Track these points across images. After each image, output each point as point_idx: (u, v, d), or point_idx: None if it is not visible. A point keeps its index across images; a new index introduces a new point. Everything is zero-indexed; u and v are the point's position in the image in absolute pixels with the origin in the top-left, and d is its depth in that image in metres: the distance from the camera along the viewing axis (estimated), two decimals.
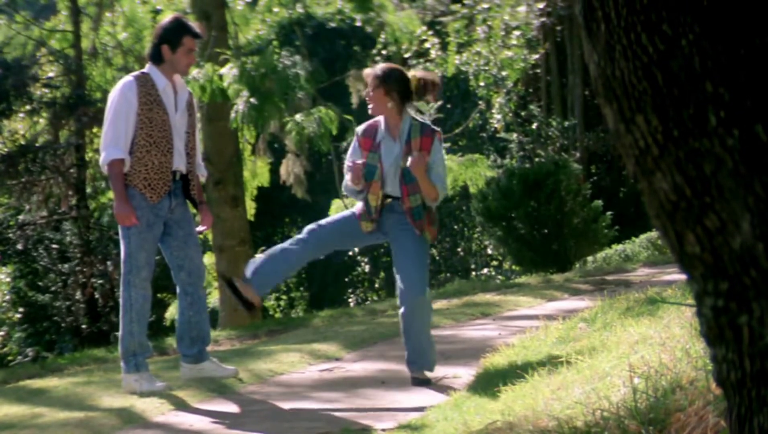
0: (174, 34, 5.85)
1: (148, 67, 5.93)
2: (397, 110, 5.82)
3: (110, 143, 5.76)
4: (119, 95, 5.81)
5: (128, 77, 5.92)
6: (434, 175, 5.80)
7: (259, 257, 5.97)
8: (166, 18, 6.15)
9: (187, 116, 5.98)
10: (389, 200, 5.86)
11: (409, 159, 5.71)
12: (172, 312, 16.98)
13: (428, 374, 5.95)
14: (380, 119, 5.90)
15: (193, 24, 6.03)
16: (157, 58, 5.87)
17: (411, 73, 5.92)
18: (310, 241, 5.88)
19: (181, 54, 5.84)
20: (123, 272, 5.89)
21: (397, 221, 5.87)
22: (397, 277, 5.86)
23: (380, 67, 5.92)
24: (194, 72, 12.08)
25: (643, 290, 7.68)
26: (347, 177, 5.90)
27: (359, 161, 5.82)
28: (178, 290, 6.09)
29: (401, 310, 5.83)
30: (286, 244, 5.94)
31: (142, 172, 5.78)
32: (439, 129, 6.00)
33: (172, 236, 5.94)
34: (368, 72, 5.89)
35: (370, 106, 5.87)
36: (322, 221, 6.00)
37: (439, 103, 27.27)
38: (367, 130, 5.95)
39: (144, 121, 5.76)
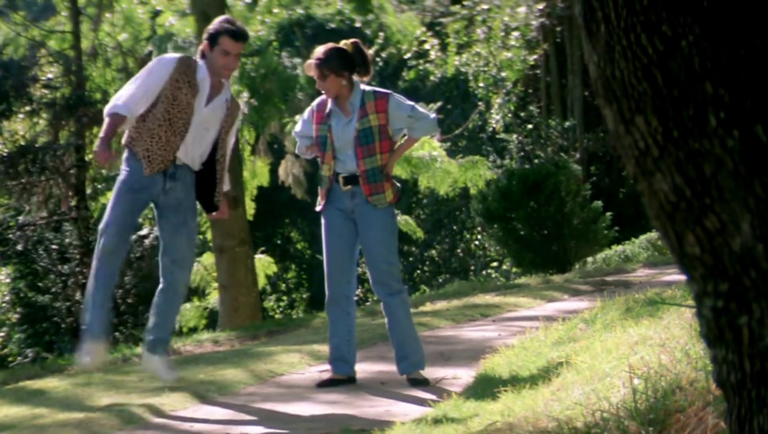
0: (215, 32, 5.83)
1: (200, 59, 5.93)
2: (349, 85, 5.87)
3: (122, 97, 5.75)
4: (154, 63, 5.88)
5: (174, 54, 6.00)
6: (415, 118, 5.87)
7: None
8: (221, 17, 6.17)
9: (222, 115, 5.90)
10: (348, 186, 5.86)
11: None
12: None
13: (425, 374, 5.96)
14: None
15: (240, 25, 5.95)
16: (201, 53, 5.90)
17: (342, 43, 5.91)
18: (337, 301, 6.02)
19: (217, 53, 5.78)
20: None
21: (358, 204, 5.90)
22: (366, 262, 5.97)
23: (319, 52, 5.87)
24: None
25: (642, 291, 7.68)
26: (300, 145, 6.05)
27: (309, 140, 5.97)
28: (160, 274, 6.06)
29: (382, 305, 5.98)
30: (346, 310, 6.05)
31: (147, 141, 5.73)
32: (388, 91, 6.02)
33: (164, 219, 5.89)
34: (311, 63, 5.84)
35: (326, 94, 5.88)
36: (327, 279, 6.00)
37: (439, 103, 27.30)
38: (319, 104, 6.00)
39: (168, 97, 5.73)
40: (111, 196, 5.89)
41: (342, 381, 6.00)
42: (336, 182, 5.90)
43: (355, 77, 5.89)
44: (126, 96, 5.74)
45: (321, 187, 5.99)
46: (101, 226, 5.84)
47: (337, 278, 5.95)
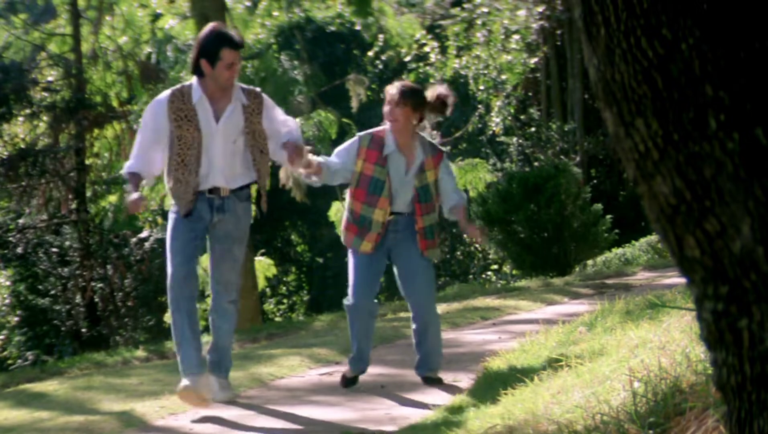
0: (212, 47, 5.51)
1: (192, 79, 5.69)
2: (414, 129, 5.79)
3: (131, 155, 5.71)
4: (147, 111, 5.75)
5: (165, 93, 5.72)
6: (453, 192, 5.87)
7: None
8: (204, 29, 5.73)
9: (243, 121, 5.67)
10: (392, 216, 5.79)
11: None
12: None
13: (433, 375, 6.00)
14: (387, 132, 5.79)
15: (233, 33, 5.69)
16: (197, 71, 5.60)
17: (429, 92, 5.83)
18: (363, 311, 5.90)
19: (221, 68, 5.51)
20: None
21: (402, 239, 5.82)
22: (408, 298, 5.91)
23: (407, 85, 5.82)
24: None
25: (643, 293, 7.67)
26: (303, 172, 5.81)
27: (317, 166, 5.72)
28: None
29: (414, 326, 5.94)
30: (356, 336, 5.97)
31: (173, 188, 5.65)
32: (445, 149, 6.04)
33: (212, 245, 5.80)
34: (396, 89, 5.73)
35: (392, 122, 5.73)
36: (352, 291, 5.87)
37: None
38: (374, 141, 5.81)
39: (177, 138, 5.58)
40: (167, 237, 5.79)
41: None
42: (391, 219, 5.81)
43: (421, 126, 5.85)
44: (133, 153, 5.71)
45: (371, 230, 5.79)
46: (167, 267, 5.72)
47: (365, 292, 5.88)
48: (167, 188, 5.75)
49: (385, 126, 5.80)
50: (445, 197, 5.89)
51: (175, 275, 5.67)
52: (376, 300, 5.96)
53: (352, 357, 6.02)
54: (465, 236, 29.94)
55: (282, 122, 5.83)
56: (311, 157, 5.69)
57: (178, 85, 5.83)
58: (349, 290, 5.87)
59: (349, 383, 6.06)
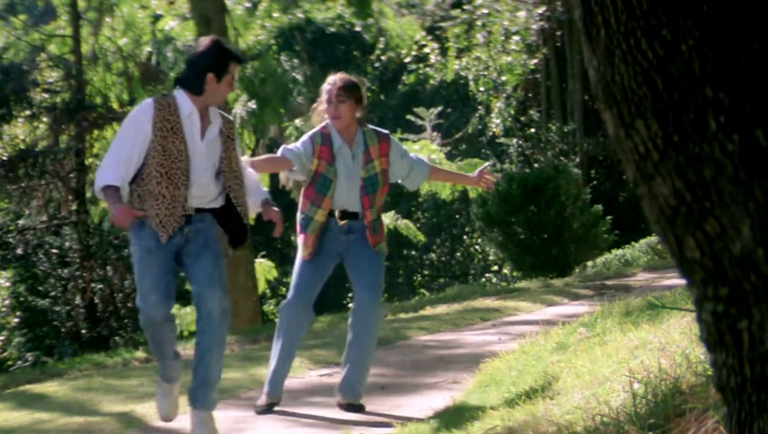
0: (221, 61, 5.10)
1: (176, 91, 5.18)
2: (357, 121, 5.61)
3: (105, 167, 5.06)
4: (129, 121, 5.16)
5: (147, 102, 5.19)
6: (413, 166, 5.70)
7: (272, 364, 5.66)
8: (202, 42, 5.26)
9: (220, 146, 5.20)
10: (345, 221, 5.56)
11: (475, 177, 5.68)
12: None
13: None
14: (330, 128, 5.61)
15: (237, 50, 5.43)
16: (197, 87, 5.12)
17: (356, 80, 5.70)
18: (294, 315, 5.61)
19: (225, 84, 5.11)
20: None
21: (354, 240, 5.59)
22: (354, 291, 5.62)
23: (343, 78, 5.60)
24: None
25: (642, 295, 7.68)
26: (282, 173, 5.68)
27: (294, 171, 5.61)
28: None
29: (350, 319, 5.63)
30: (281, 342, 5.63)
31: (154, 207, 5.03)
32: (387, 131, 5.80)
33: (186, 255, 5.14)
34: (334, 84, 5.55)
35: (335, 119, 5.54)
36: (291, 294, 5.65)
37: (439, 108, 27.33)
38: (324, 137, 5.61)
39: (157, 149, 5.03)
40: (135, 271, 5.16)
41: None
42: (331, 216, 5.59)
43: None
44: (109, 165, 5.05)
45: (309, 232, 5.59)
46: (138, 303, 5.11)
47: (300, 300, 5.63)
48: (137, 209, 5.03)
49: (327, 123, 5.62)
50: (411, 177, 5.75)
51: (147, 320, 5.06)
52: (311, 311, 5.67)
53: (270, 378, 5.64)
54: (465, 236, 29.96)
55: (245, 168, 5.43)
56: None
57: (159, 96, 5.35)
58: (288, 294, 5.66)
59: (264, 410, 5.58)
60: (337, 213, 5.57)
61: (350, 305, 5.72)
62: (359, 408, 5.43)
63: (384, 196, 5.68)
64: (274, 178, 19.18)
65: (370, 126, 5.70)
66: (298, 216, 5.66)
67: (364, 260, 5.57)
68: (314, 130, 5.68)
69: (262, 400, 5.60)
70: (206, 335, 4.98)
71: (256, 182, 5.46)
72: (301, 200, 5.69)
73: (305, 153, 5.56)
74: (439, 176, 5.78)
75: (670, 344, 4.09)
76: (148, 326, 5.07)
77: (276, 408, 5.58)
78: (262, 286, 17.45)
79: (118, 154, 5.03)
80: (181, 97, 5.14)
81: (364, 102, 5.64)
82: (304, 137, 5.70)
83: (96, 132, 17.05)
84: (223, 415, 5.50)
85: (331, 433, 4.94)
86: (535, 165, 23.26)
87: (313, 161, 5.57)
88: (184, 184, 5.06)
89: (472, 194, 17.46)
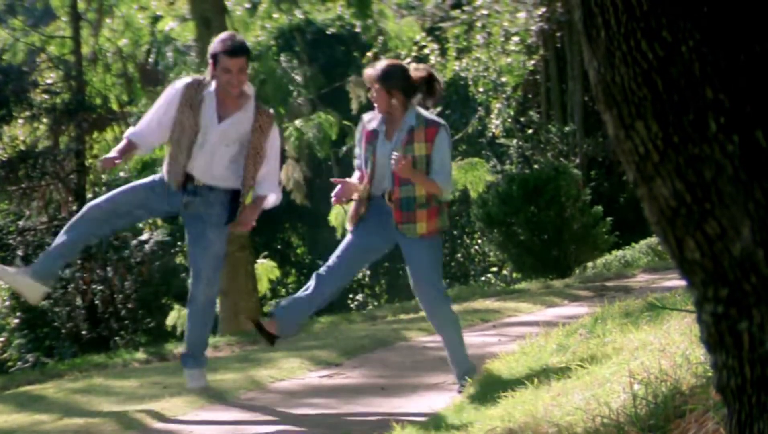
0: (214, 52, 5.83)
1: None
2: (402, 108, 5.63)
3: (138, 125, 6.01)
4: (165, 91, 6.03)
5: (185, 78, 6.09)
6: (435, 169, 5.56)
7: (287, 301, 5.84)
8: (222, 34, 6.08)
9: (245, 131, 5.90)
10: (391, 202, 5.63)
11: (392, 160, 5.52)
12: (173, 317, 16.98)
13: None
14: (376, 112, 5.74)
15: (235, 43, 5.87)
16: (211, 73, 5.91)
17: (414, 66, 5.74)
18: (328, 277, 5.73)
19: (220, 72, 5.80)
20: None
21: (390, 223, 5.67)
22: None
23: (380, 65, 5.72)
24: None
25: (643, 296, 7.67)
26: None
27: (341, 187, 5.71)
28: None
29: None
30: (309, 292, 5.75)
31: (168, 164, 5.92)
32: (445, 123, 5.76)
33: (187, 232, 6.04)
34: (369, 72, 5.72)
35: (375, 104, 5.70)
36: (331, 261, 5.77)
37: (439, 108, 27.32)
38: (369, 119, 5.79)
39: (176, 122, 5.86)
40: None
41: None
42: (376, 198, 5.67)
43: (414, 101, 5.67)
44: (140, 124, 5.99)
45: (355, 206, 5.76)
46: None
47: (337, 267, 5.76)
48: (165, 166, 5.97)
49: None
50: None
51: (100, 202, 6.00)
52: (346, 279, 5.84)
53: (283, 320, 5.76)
54: (465, 237, 29.95)
55: (271, 159, 6.03)
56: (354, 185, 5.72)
57: (200, 76, 6.15)
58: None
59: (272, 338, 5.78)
60: (386, 195, 5.65)
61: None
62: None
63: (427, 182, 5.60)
64: None
65: (425, 112, 5.69)
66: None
67: (406, 248, 5.67)
68: (365, 115, 5.90)
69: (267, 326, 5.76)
70: (189, 313, 6.02)
71: (271, 178, 6.02)
72: None
73: (358, 144, 5.82)
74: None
75: (670, 345, 4.09)
76: (84, 212, 5.98)
77: (276, 409, 5.59)
78: (264, 286, 17.43)
79: (149, 117, 5.98)
80: (210, 82, 5.89)
81: (404, 90, 5.62)
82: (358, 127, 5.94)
83: (96, 133, 17.04)
84: (222, 416, 5.50)
85: None
86: (535, 166, 23.27)
87: (363, 147, 5.76)
88: (186, 154, 5.83)
89: (473, 194, 17.44)
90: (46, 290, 5.96)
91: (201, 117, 5.84)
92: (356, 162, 5.83)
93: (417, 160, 5.55)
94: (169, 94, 5.95)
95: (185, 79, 6.05)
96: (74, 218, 6.04)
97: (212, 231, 5.93)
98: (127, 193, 5.97)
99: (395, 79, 5.62)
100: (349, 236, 5.81)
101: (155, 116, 5.95)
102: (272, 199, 6.06)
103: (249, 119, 5.89)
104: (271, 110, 6.26)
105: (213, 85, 5.87)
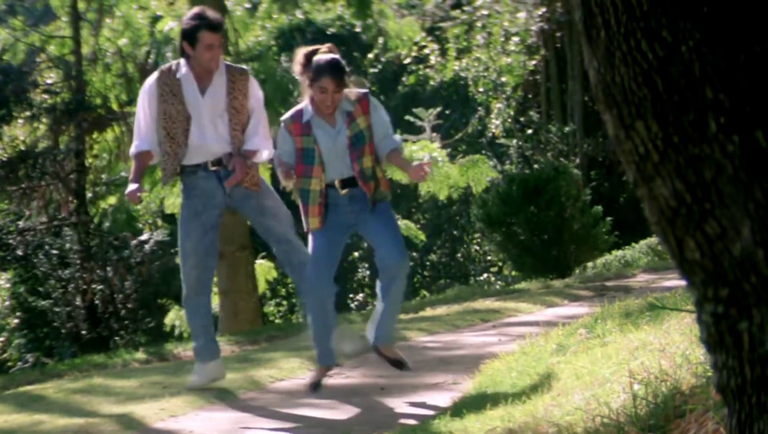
0: (191, 30, 5.79)
1: (181, 59, 5.96)
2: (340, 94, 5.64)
3: (136, 136, 5.98)
4: (141, 92, 6.01)
5: (153, 75, 6.04)
6: (388, 134, 5.70)
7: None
8: (190, 11, 6.10)
9: (225, 96, 5.88)
10: (346, 190, 5.66)
11: (425, 170, 5.58)
12: (171, 318, 16.97)
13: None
14: (305, 103, 5.69)
15: (212, 15, 5.85)
16: (182, 53, 5.91)
17: (322, 49, 5.66)
18: (320, 278, 5.75)
19: (201, 50, 5.79)
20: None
21: (361, 209, 5.71)
22: (378, 252, 5.74)
23: (338, 60, 5.58)
24: None
25: (643, 296, 7.67)
26: (280, 174, 5.68)
27: (285, 160, 5.66)
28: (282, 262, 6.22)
29: (379, 284, 5.81)
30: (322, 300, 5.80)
31: (162, 161, 5.93)
32: (367, 89, 5.82)
33: (247, 215, 6.18)
34: (334, 74, 5.54)
35: (324, 104, 5.58)
36: (309, 266, 5.79)
37: (439, 109, 27.32)
38: (293, 116, 5.72)
39: (162, 115, 5.86)
40: (179, 228, 6.06)
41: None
42: (332, 188, 5.69)
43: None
44: (136, 133, 5.99)
45: (310, 204, 5.70)
46: (181, 269, 6.03)
47: (321, 271, 5.75)
48: (159, 162, 6.00)
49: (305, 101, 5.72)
50: (378, 144, 5.72)
51: (188, 262, 5.96)
52: (332, 283, 5.80)
53: (318, 353, 5.91)
54: (465, 237, 29.97)
55: (255, 114, 6.00)
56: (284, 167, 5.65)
57: (167, 64, 6.13)
58: (307, 272, 5.79)
59: (316, 387, 5.89)
60: (337, 183, 5.69)
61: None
62: (401, 365, 5.86)
63: (373, 155, 5.70)
64: (273, 179, 19.19)
65: (353, 89, 5.70)
66: (298, 199, 5.82)
67: (374, 220, 5.73)
68: (287, 115, 5.87)
69: (312, 376, 5.96)
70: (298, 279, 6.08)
71: (259, 132, 6.00)
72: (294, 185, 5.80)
73: (285, 141, 5.74)
74: (396, 160, 5.79)
75: (670, 345, 4.09)
76: (188, 290, 6.05)
77: (276, 409, 5.59)
78: (262, 286, 17.42)
79: (141, 123, 5.95)
80: (181, 62, 5.90)
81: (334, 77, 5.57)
82: (280, 129, 5.87)
83: (96, 133, 17.04)
84: (223, 416, 5.50)
85: None
86: (535, 166, 23.27)
87: (294, 142, 5.70)
88: (183, 143, 5.85)
89: (475, 191, 17.41)
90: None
91: (185, 100, 5.85)
92: (280, 160, 5.67)
93: (364, 134, 5.67)
94: (146, 93, 5.93)
95: (153, 76, 6.01)
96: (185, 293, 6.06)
97: (267, 199, 6.05)
98: (193, 239, 5.93)
99: (345, 71, 5.63)
100: (320, 238, 5.74)
101: (145, 119, 5.93)
102: (265, 154, 6.03)
103: (223, 82, 5.89)
104: (245, 66, 6.30)
105: (184, 67, 5.86)
